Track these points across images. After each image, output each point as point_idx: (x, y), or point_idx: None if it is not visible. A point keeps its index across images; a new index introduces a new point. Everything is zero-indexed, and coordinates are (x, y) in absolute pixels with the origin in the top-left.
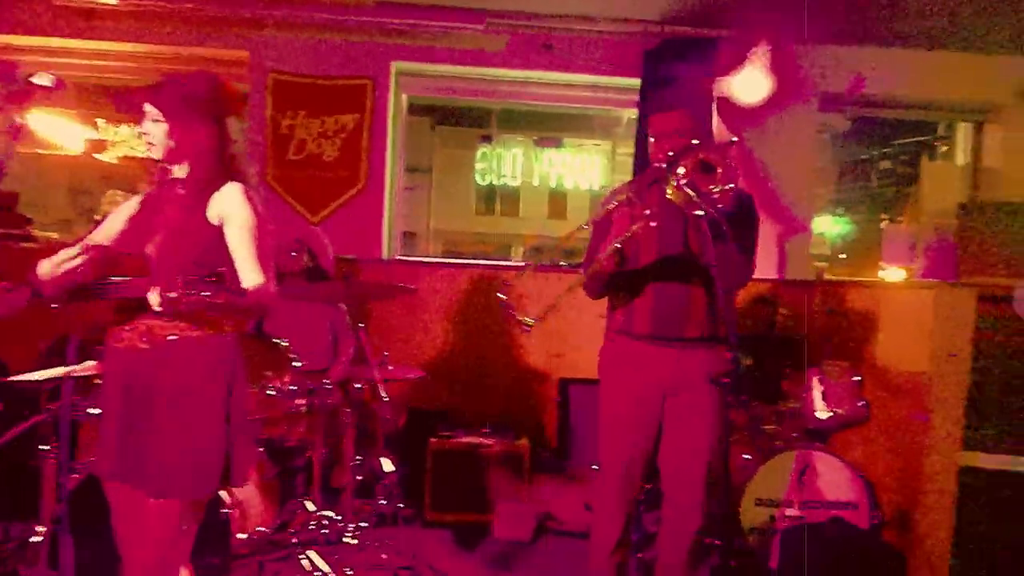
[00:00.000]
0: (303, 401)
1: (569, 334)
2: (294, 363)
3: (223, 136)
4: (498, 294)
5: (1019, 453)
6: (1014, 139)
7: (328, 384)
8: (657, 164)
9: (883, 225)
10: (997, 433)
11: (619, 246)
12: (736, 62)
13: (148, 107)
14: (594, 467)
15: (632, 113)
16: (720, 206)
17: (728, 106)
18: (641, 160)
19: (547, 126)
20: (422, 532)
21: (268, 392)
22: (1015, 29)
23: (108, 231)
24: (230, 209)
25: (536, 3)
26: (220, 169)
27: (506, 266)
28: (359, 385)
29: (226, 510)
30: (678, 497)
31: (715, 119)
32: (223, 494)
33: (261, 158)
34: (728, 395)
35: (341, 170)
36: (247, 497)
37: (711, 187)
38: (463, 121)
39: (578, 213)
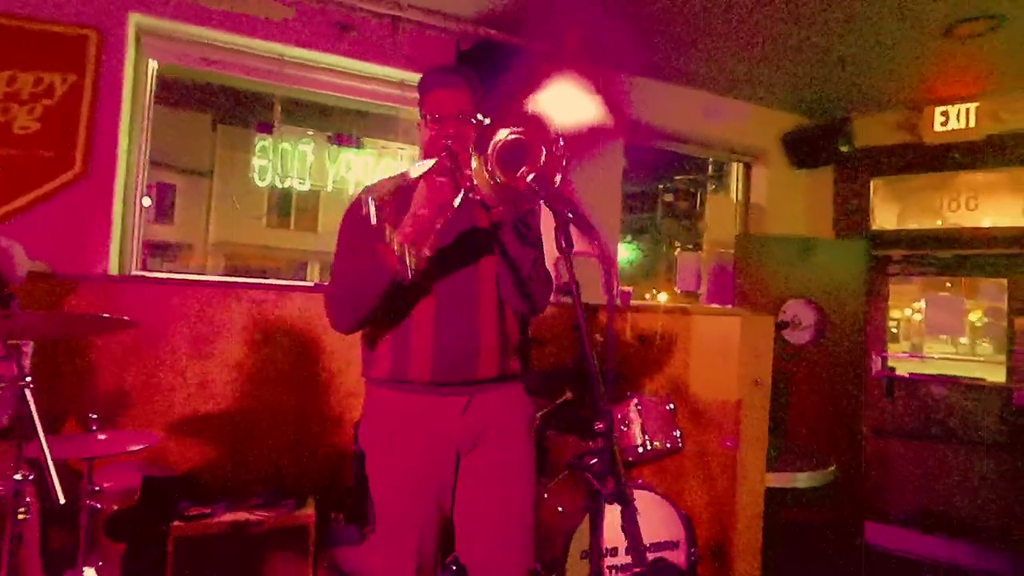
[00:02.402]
0: None
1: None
2: None
3: None
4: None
5: (795, 470)
6: (775, 179)
7: None
8: (445, 148)
9: (676, 253)
10: (776, 454)
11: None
12: (550, 77)
13: None
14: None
15: None
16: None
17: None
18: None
19: (343, 123)
20: None
21: None
22: (781, 88)
23: None
24: None
25: None
26: None
27: (294, 286)
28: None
29: None
30: (488, 569)
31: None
32: None
33: None
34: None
35: (44, 148)
36: None
37: (526, 174)
38: (249, 120)
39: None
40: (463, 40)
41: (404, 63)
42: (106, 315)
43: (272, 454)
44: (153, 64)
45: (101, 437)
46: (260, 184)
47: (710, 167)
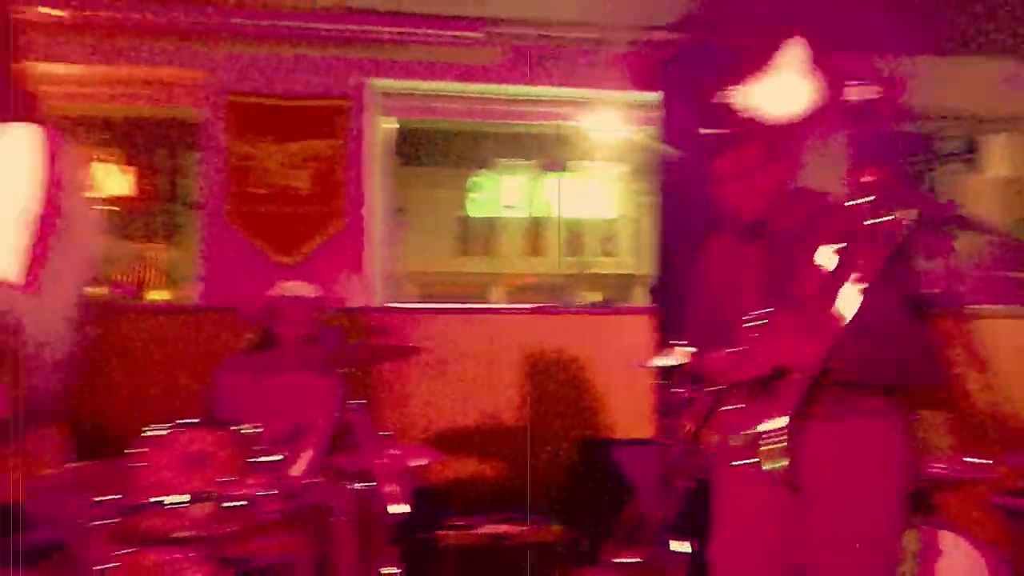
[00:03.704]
0: (275, 507)
1: (598, 385)
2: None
3: None
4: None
5: None
6: None
7: (312, 482)
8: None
9: None
10: None
11: None
12: (765, 70)
13: None
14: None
15: (649, 132)
16: None
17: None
18: (666, 184)
19: (549, 150)
20: None
21: (226, 504)
22: None
23: None
24: None
25: (537, 9)
26: None
27: (519, 309)
28: (362, 485)
29: None
30: None
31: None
32: None
33: (219, 193)
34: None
35: (317, 204)
36: None
37: None
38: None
39: (555, 250)
40: (664, 49)
41: (610, 83)
42: (411, 344)
43: (514, 469)
44: (390, 121)
45: (393, 452)
46: (474, 216)
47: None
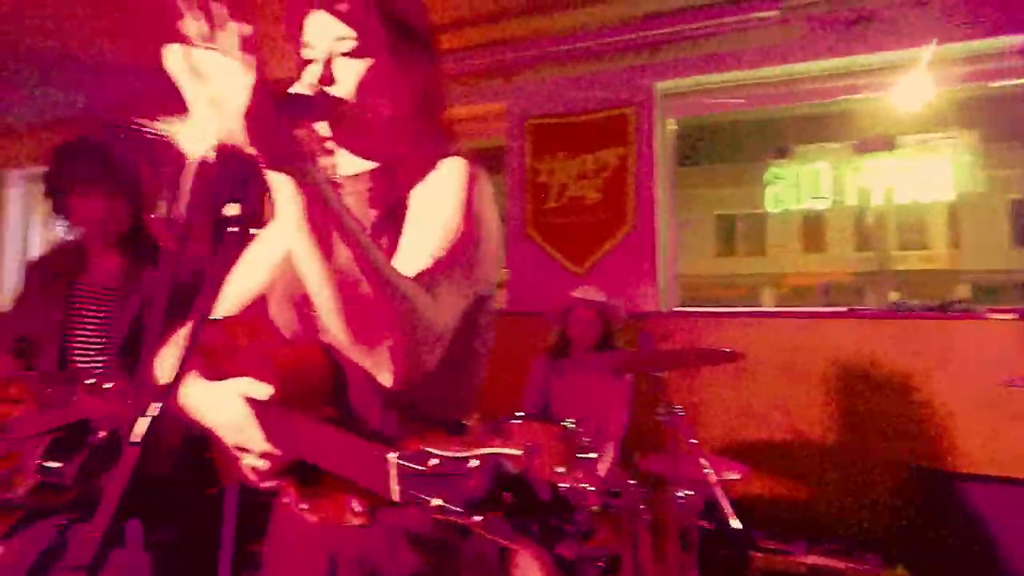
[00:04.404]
0: (597, 503)
1: (937, 404)
2: (588, 453)
3: None
4: None
5: None
6: None
7: (628, 483)
8: None
9: None
10: None
11: None
12: None
13: None
14: None
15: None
16: None
17: None
18: None
19: (863, 127)
20: None
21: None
22: None
23: None
24: None
25: None
26: None
27: (829, 313)
28: (686, 493)
29: None
30: None
31: None
32: None
33: (520, 208)
34: None
35: (604, 213)
36: None
37: None
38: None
39: (842, 245)
40: None
41: (954, 34)
42: (726, 349)
43: (827, 494)
44: (671, 122)
45: (703, 461)
46: (773, 210)
47: None
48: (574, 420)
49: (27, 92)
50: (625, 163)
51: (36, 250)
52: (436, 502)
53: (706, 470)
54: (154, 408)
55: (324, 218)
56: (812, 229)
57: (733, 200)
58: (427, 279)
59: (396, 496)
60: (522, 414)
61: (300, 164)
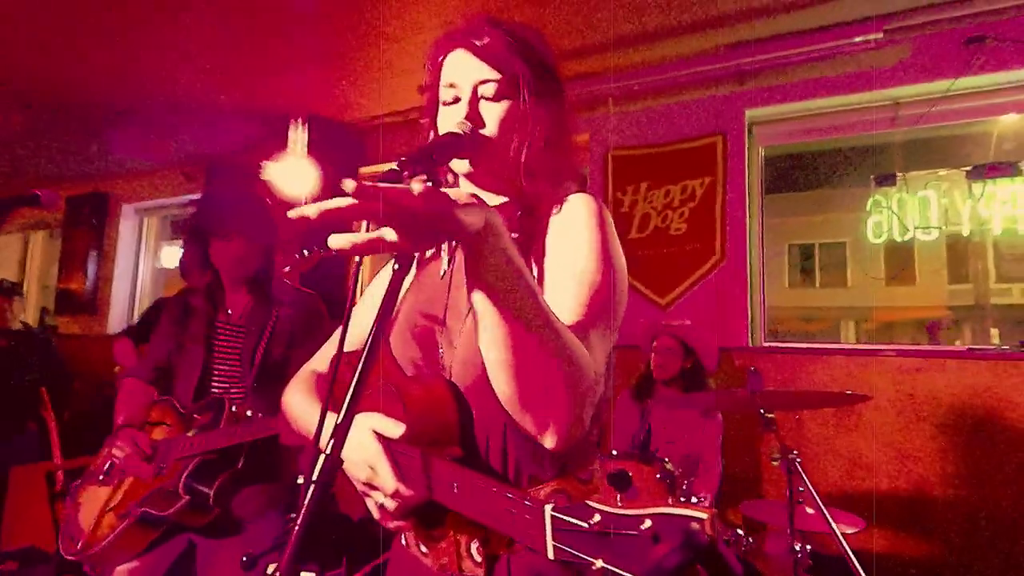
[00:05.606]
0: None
1: None
2: (689, 497)
3: None
4: None
5: None
6: None
7: (740, 533)
8: None
9: None
10: None
11: None
12: None
13: None
14: None
15: None
16: None
17: None
18: None
19: (974, 154)
20: None
21: None
22: None
23: None
24: None
25: None
26: None
27: (945, 351)
28: (803, 547)
29: None
30: None
31: None
32: None
33: None
34: None
35: (691, 243)
36: None
37: None
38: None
39: (932, 276)
40: None
41: None
42: (848, 391)
43: (957, 553)
44: (761, 151)
45: (809, 511)
46: (875, 241)
47: None
48: (669, 459)
49: (138, 136)
50: (714, 192)
51: (146, 278)
52: (599, 564)
53: (831, 523)
54: (330, 445)
55: (506, 281)
56: (898, 259)
57: (811, 229)
58: (580, 331)
59: (550, 553)
60: (615, 452)
61: (486, 238)
